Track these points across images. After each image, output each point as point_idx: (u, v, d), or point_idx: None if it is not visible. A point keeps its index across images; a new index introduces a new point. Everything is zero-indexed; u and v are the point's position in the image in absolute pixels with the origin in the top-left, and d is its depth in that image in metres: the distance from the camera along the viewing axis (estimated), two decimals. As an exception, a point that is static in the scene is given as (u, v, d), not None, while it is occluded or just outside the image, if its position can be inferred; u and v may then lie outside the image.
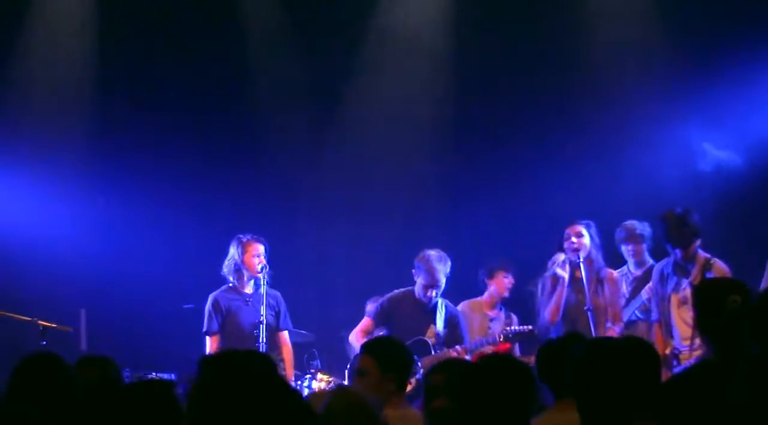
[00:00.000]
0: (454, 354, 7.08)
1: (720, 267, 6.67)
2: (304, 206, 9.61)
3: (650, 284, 7.11)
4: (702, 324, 3.99)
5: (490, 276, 7.93)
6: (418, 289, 7.37)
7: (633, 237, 7.59)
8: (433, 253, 7.30)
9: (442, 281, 7.26)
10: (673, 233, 6.72)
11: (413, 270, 7.38)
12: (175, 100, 9.36)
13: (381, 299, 7.47)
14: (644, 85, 8.66)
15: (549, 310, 7.09)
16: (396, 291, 7.46)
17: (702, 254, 6.76)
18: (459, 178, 9.38)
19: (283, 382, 2.92)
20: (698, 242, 6.73)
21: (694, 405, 2.97)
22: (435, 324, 7.29)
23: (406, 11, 9.44)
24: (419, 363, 6.85)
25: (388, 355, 4.70)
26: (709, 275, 6.60)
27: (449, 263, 7.30)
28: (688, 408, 3.01)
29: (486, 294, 7.96)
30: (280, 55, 9.60)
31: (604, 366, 3.11)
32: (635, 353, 3.16)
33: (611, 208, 8.13)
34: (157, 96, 9.35)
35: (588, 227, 7.13)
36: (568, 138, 8.89)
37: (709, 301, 3.97)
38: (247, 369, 3.05)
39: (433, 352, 7.17)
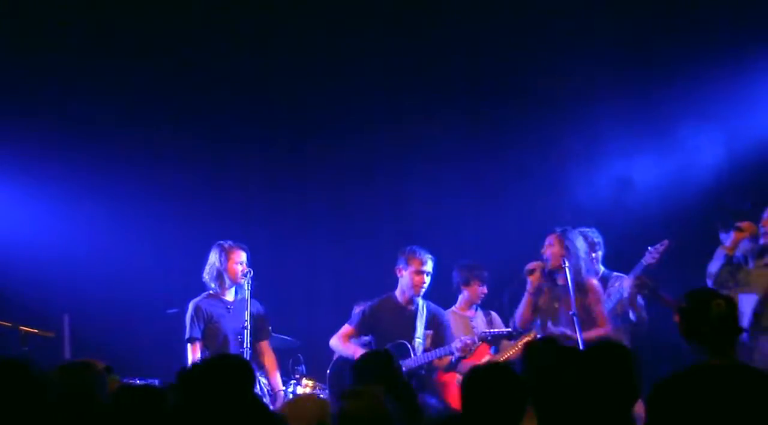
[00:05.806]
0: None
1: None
2: (289, 211, 9.59)
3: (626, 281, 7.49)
4: (688, 330, 4.10)
5: (466, 283, 7.97)
6: (399, 290, 7.38)
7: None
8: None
9: (430, 267, 7.31)
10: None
11: (397, 266, 7.40)
12: (160, 104, 9.33)
13: (362, 307, 7.48)
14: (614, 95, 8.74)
15: (519, 315, 7.35)
16: (375, 299, 7.47)
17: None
18: (444, 183, 9.38)
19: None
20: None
21: (687, 405, 3.03)
22: (415, 328, 7.31)
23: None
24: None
25: None
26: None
27: (433, 260, 7.37)
28: (682, 407, 3.07)
29: (460, 300, 8.00)
30: (264, 60, 9.59)
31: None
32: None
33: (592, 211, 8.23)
34: (142, 100, 9.31)
35: (562, 235, 7.21)
36: (555, 141, 8.95)
37: (695, 306, 4.10)
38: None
39: (412, 355, 7.18)
